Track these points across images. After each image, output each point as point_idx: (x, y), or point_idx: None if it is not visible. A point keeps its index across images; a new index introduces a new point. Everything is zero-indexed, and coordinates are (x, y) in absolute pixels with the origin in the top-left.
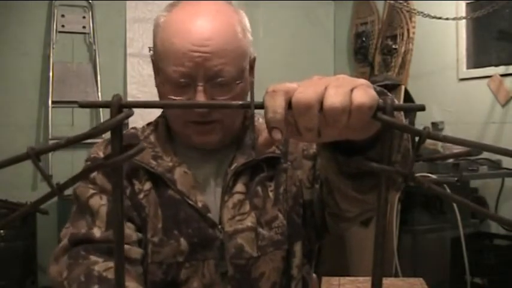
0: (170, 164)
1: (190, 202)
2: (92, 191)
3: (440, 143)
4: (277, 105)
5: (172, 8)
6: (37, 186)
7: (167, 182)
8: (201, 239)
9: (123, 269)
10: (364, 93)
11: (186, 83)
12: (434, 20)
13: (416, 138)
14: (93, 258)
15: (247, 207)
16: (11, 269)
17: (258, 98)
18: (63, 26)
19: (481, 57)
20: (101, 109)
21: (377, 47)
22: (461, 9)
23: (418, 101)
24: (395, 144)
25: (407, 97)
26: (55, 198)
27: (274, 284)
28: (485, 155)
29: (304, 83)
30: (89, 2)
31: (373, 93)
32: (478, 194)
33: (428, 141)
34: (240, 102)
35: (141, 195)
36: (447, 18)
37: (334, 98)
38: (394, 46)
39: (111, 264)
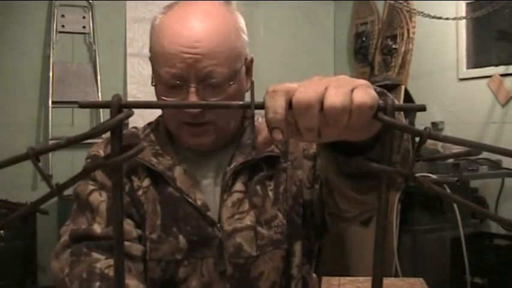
0: (170, 162)
1: (189, 200)
2: (91, 187)
3: (440, 143)
4: (278, 105)
5: (167, 10)
6: (37, 186)
7: (167, 180)
8: (200, 237)
9: (123, 269)
10: (364, 93)
11: (178, 85)
12: (434, 20)
13: (417, 139)
14: (95, 255)
15: (246, 206)
16: (11, 269)
17: (258, 98)
18: (63, 26)
19: (481, 57)
20: (101, 109)
21: (377, 47)
22: (461, 9)
23: (418, 101)
24: (395, 145)
25: (407, 97)
26: (55, 198)
27: (274, 283)
28: (485, 155)
29: (304, 83)
30: (89, 2)
31: (373, 93)
32: (478, 194)
33: (429, 141)
34: (240, 103)
35: (140, 192)
36: (447, 18)
37: (335, 97)
38: (394, 46)
39: (113, 261)
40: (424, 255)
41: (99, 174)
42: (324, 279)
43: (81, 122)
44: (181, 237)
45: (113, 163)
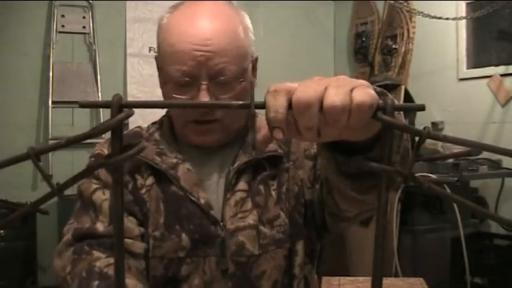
0: (174, 161)
1: (192, 199)
2: (95, 186)
3: (440, 143)
4: (279, 105)
5: (175, 9)
6: (37, 186)
7: (170, 179)
8: (203, 236)
9: (123, 269)
10: (364, 92)
11: (189, 82)
12: (434, 20)
13: (416, 138)
14: (96, 253)
15: (249, 205)
16: (11, 269)
17: (258, 98)
18: (63, 26)
19: (481, 57)
20: (101, 109)
21: (377, 47)
22: (461, 9)
23: (418, 101)
24: (395, 145)
25: (407, 97)
26: (55, 198)
27: (276, 282)
28: (485, 155)
29: (304, 82)
30: (89, 2)
31: (373, 93)
32: (478, 194)
33: (428, 141)
34: (240, 102)
35: (143, 190)
36: (447, 18)
37: (335, 97)
38: (394, 46)
39: (112, 260)
40: (424, 255)
41: (102, 173)
42: (324, 279)
43: (81, 122)
44: (184, 235)
45: (113, 162)
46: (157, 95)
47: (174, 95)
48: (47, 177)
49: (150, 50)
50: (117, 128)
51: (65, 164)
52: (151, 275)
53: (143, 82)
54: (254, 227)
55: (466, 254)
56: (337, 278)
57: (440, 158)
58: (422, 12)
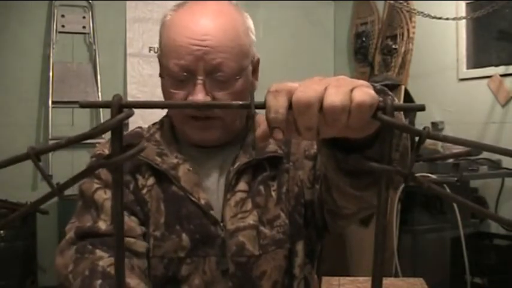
0: (175, 161)
1: (193, 199)
2: (96, 186)
3: (440, 143)
4: (280, 105)
5: (178, 8)
6: (37, 186)
7: (171, 179)
8: (203, 236)
9: (123, 268)
10: (364, 92)
11: (186, 77)
12: (434, 20)
13: (416, 138)
14: (98, 253)
15: (249, 205)
16: (11, 269)
17: (258, 98)
18: (63, 26)
19: (481, 57)
20: (101, 109)
21: (377, 47)
22: (461, 9)
23: (418, 101)
24: (394, 142)
25: (407, 97)
26: (55, 198)
27: (276, 282)
28: (485, 155)
29: (304, 82)
30: (89, 2)
31: (373, 92)
32: (478, 194)
33: (428, 141)
34: (240, 102)
35: (144, 191)
36: (447, 18)
37: (334, 96)
38: (394, 46)
39: None
40: (424, 255)
41: (103, 173)
42: (324, 279)
43: (81, 122)
44: (184, 235)
45: (113, 162)
46: (157, 95)
47: (171, 90)
48: (47, 177)
49: (150, 50)
50: (117, 128)
51: (65, 164)
52: (152, 275)
53: (143, 82)
54: (254, 228)
55: (466, 254)
56: (337, 278)
57: (440, 158)
58: (422, 12)
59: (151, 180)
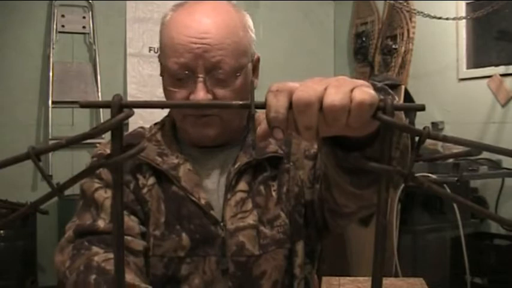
0: (175, 161)
1: (193, 199)
2: (97, 185)
3: (440, 143)
4: (280, 105)
5: (178, 7)
6: (37, 186)
7: (171, 179)
8: (203, 236)
9: (123, 268)
10: (364, 91)
11: (186, 76)
12: (434, 20)
13: (416, 138)
14: (94, 249)
15: (249, 205)
16: (11, 269)
17: (258, 98)
18: (63, 26)
19: (481, 57)
20: (101, 109)
21: (377, 47)
22: (461, 9)
23: (418, 101)
24: (394, 141)
25: (407, 97)
26: (55, 198)
27: (276, 282)
28: (485, 155)
29: (305, 82)
30: (89, 2)
31: (373, 92)
32: (478, 194)
33: (428, 141)
34: (240, 102)
35: (145, 190)
36: (447, 18)
37: (334, 96)
38: (394, 46)
39: (111, 255)
40: (424, 255)
41: (104, 173)
42: (324, 279)
43: (81, 122)
44: (184, 235)
45: (113, 162)
46: (157, 95)
47: (171, 89)
48: (47, 177)
49: (150, 50)
50: (117, 128)
51: (65, 164)
52: (152, 274)
53: (143, 82)
54: (254, 227)
55: (466, 254)
56: (337, 278)
57: (440, 158)
58: (422, 12)
59: (151, 180)
